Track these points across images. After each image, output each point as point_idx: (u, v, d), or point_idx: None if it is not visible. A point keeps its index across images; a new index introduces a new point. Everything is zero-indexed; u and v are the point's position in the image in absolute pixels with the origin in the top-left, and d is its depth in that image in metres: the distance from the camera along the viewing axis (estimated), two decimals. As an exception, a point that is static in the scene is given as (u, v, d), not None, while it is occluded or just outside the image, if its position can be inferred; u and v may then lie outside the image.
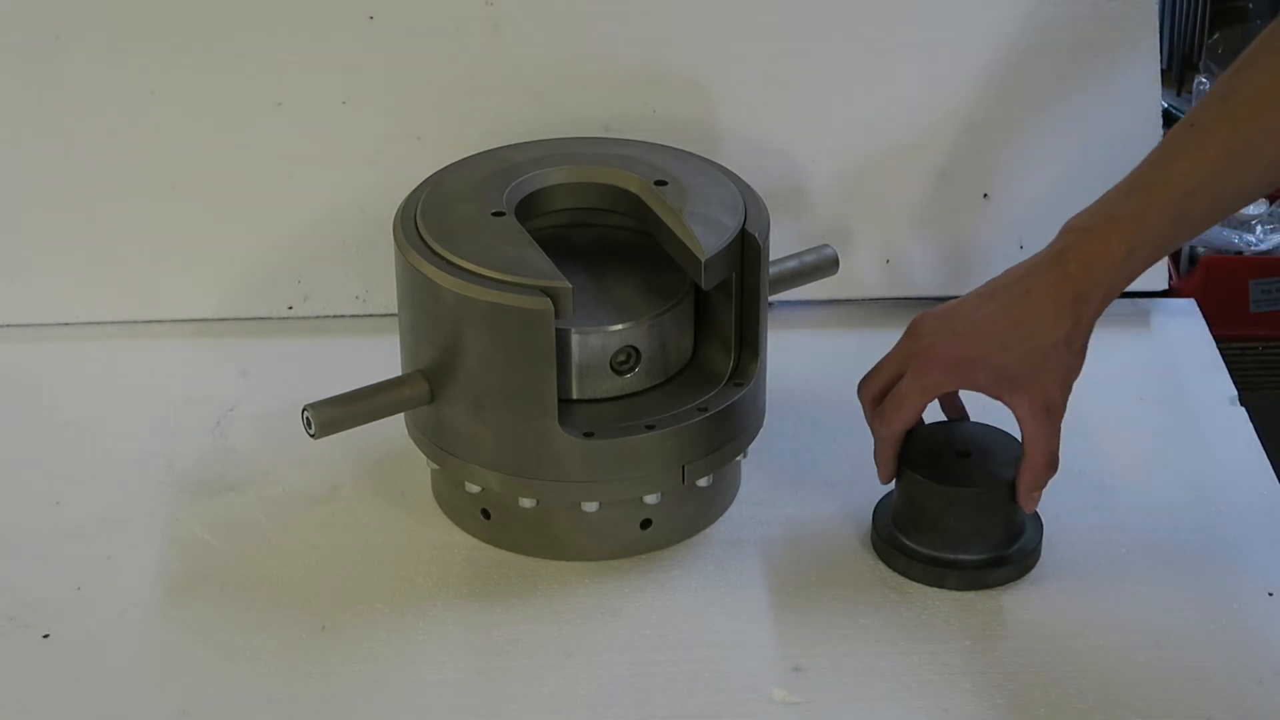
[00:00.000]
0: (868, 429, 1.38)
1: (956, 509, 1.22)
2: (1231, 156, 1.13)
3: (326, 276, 1.52)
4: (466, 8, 1.49)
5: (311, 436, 1.21)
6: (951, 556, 1.22)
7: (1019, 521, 1.24)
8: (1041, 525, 1.26)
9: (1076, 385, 1.43)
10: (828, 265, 1.35)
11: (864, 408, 1.24)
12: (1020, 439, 1.21)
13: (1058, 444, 1.20)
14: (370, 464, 1.35)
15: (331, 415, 1.21)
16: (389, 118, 1.50)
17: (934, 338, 1.20)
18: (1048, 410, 1.19)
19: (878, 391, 1.23)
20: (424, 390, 1.23)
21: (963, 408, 1.27)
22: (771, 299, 1.29)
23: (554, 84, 1.49)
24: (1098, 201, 1.18)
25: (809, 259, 1.34)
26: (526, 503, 1.24)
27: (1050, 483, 1.30)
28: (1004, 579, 1.22)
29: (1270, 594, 1.23)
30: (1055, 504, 1.30)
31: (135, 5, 1.48)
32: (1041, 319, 1.17)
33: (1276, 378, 1.70)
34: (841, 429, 1.38)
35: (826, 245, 1.35)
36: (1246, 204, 1.16)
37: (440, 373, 1.23)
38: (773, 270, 1.30)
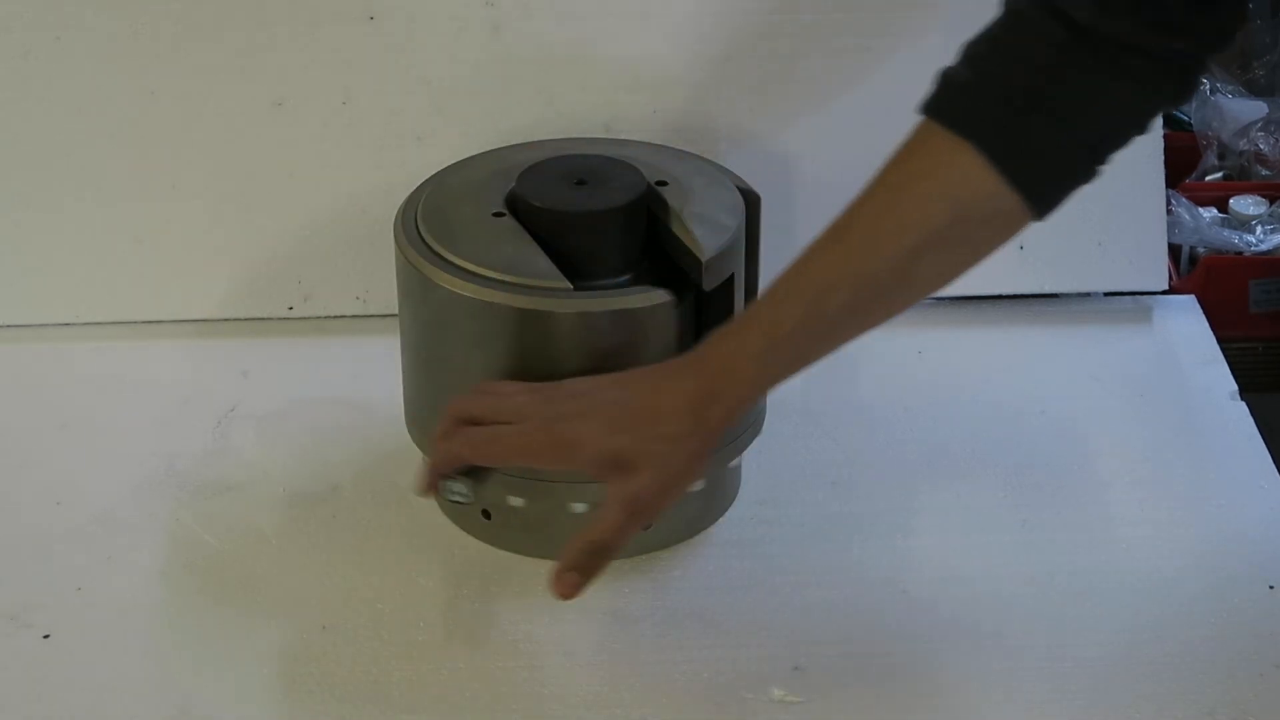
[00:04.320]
0: (868, 429, 1.39)
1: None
2: (865, 253, 1.08)
3: (326, 276, 1.52)
4: (466, 8, 1.49)
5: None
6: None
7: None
8: None
9: (1077, 383, 1.44)
10: None
11: (446, 416, 1.16)
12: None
13: (628, 538, 1.12)
14: (370, 464, 1.35)
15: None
16: (389, 118, 1.50)
17: (560, 410, 1.12)
18: (636, 502, 1.11)
19: (473, 416, 1.15)
20: None
21: None
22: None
23: (554, 84, 1.50)
24: (742, 311, 1.13)
25: None
26: (525, 503, 1.24)
27: (1050, 482, 1.31)
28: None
29: (1271, 587, 1.23)
30: (1056, 500, 1.31)
31: (135, 5, 1.48)
32: (668, 413, 1.10)
33: (1276, 378, 1.70)
34: (841, 429, 1.38)
35: None
36: (890, 305, 1.09)
37: (440, 372, 1.23)
38: None
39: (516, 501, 1.24)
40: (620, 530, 1.11)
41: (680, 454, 1.11)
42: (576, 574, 1.12)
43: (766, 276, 1.26)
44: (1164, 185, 1.54)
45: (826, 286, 1.09)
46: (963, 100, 1.08)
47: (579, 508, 1.23)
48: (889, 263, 1.08)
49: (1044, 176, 1.07)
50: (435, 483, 1.18)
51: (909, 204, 1.08)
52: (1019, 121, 1.06)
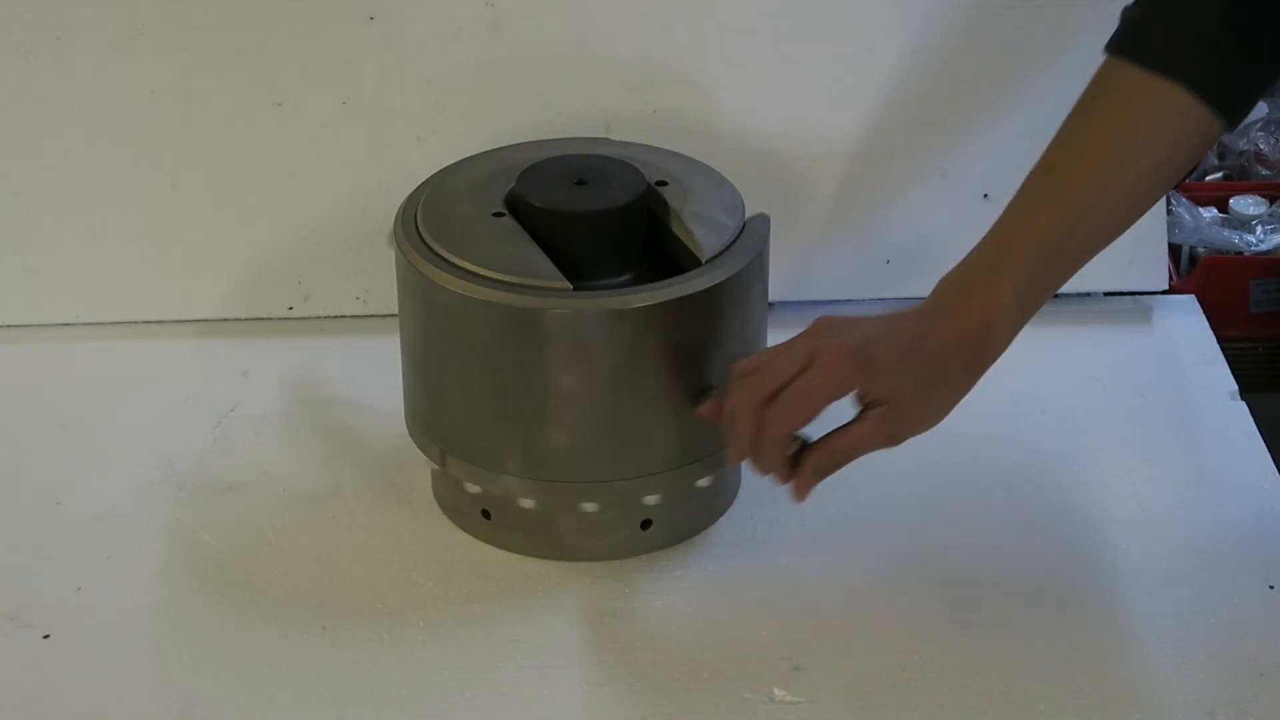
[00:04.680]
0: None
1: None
2: (1094, 196, 1.15)
3: (326, 276, 1.52)
4: (466, 8, 1.49)
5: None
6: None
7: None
8: None
9: (1076, 382, 1.44)
10: None
11: (743, 405, 1.15)
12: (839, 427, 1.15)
13: (855, 458, 1.16)
14: (370, 464, 1.35)
15: None
16: (389, 118, 1.50)
17: (850, 336, 1.14)
18: (893, 438, 1.15)
19: (775, 387, 1.14)
20: None
21: None
22: (771, 300, 1.29)
23: (554, 84, 1.50)
24: (972, 258, 1.16)
25: None
26: (527, 503, 1.24)
27: (1050, 481, 1.31)
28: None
29: (1271, 587, 1.23)
30: (1056, 500, 1.31)
31: (135, 5, 1.48)
32: (947, 364, 1.14)
33: (1276, 378, 1.70)
34: (841, 429, 1.38)
35: None
36: (1110, 239, 1.17)
37: (440, 372, 1.23)
38: None
39: (527, 503, 1.24)
40: (863, 449, 1.15)
41: (947, 403, 1.16)
42: (814, 479, 1.16)
43: (773, 278, 1.26)
44: (1164, 185, 1.54)
45: (1064, 232, 1.15)
46: (1159, 40, 1.15)
47: (589, 507, 1.23)
48: (1115, 203, 1.15)
49: (1245, 102, 1.16)
50: (806, 484, 1.16)
51: (1127, 145, 1.15)
52: (1216, 55, 1.14)
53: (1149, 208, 1.18)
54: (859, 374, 1.13)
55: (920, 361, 1.13)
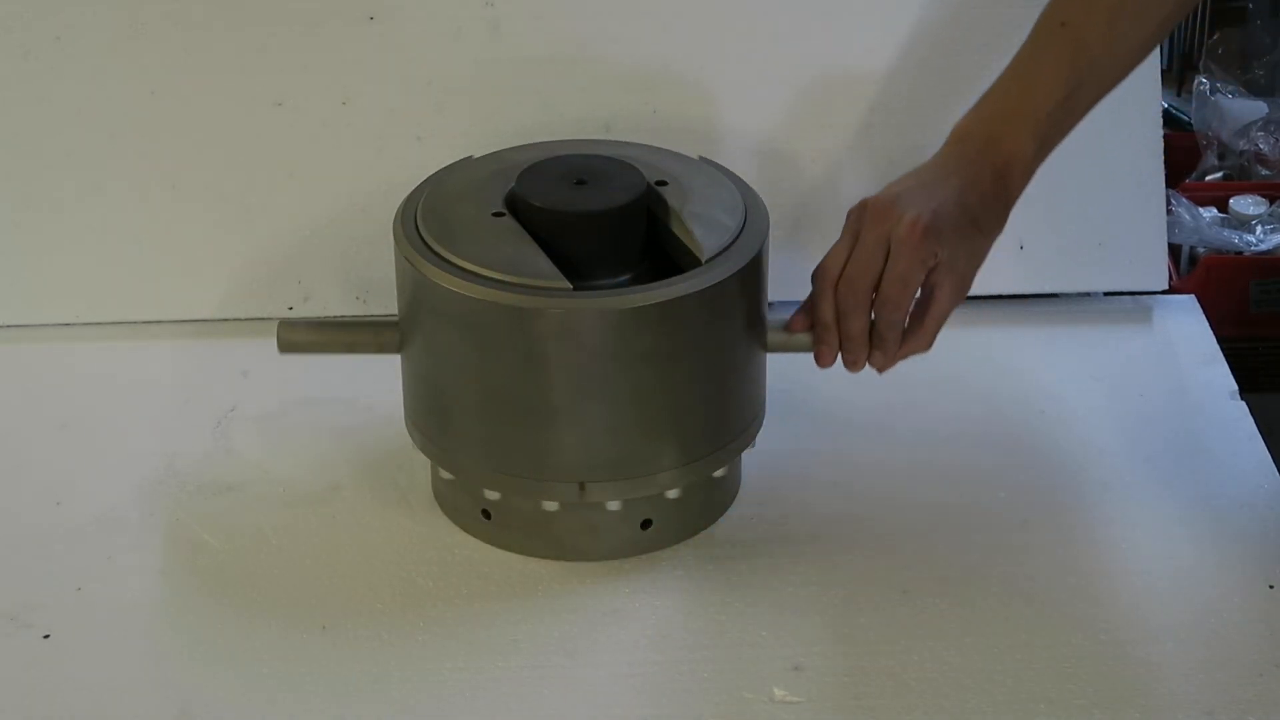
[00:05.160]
0: (868, 429, 1.38)
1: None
2: (1106, 49, 1.23)
3: (326, 276, 1.52)
4: (466, 8, 1.49)
5: (279, 350, 1.26)
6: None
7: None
8: None
9: (1076, 382, 1.44)
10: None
11: (849, 307, 1.21)
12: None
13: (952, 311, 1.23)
14: (370, 464, 1.35)
15: (296, 337, 1.26)
16: (389, 118, 1.50)
17: (911, 211, 1.20)
18: (964, 289, 1.23)
19: (870, 285, 1.21)
20: (393, 338, 1.25)
21: None
22: (771, 299, 1.29)
23: (554, 84, 1.50)
24: (989, 108, 1.24)
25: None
26: (526, 503, 1.24)
27: (1050, 481, 1.31)
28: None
29: (1271, 587, 1.23)
30: (1056, 500, 1.31)
31: (135, 5, 1.48)
32: (981, 216, 1.21)
33: (1276, 378, 1.70)
34: (841, 429, 1.38)
35: None
36: (1114, 86, 1.27)
37: (440, 372, 1.23)
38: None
39: (527, 504, 1.24)
40: (948, 315, 1.22)
41: (988, 248, 1.23)
42: (928, 345, 1.24)
43: (772, 278, 1.27)
44: (1164, 185, 1.54)
45: (1076, 85, 1.23)
46: None
47: (590, 507, 1.24)
48: (1123, 56, 1.25)
49: None
50: (888, 358, 1.24)
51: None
52: None
53: (1150, 55, 1.29)
54: (937, 245, 1.20)
55: (968, 217, 1.21)
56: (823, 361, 1.24)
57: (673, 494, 1.25)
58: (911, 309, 1.22)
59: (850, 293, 1.21)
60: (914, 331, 1.23)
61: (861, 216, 1.21)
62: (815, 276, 1.23)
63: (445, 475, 1.27)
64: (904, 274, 1.20)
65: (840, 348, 1.23)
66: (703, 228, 1.23)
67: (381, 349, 1.26)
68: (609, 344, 1.19)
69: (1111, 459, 1.36)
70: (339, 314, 1.52)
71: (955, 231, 1.20)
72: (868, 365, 1.24)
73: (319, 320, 1.27)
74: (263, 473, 1.35)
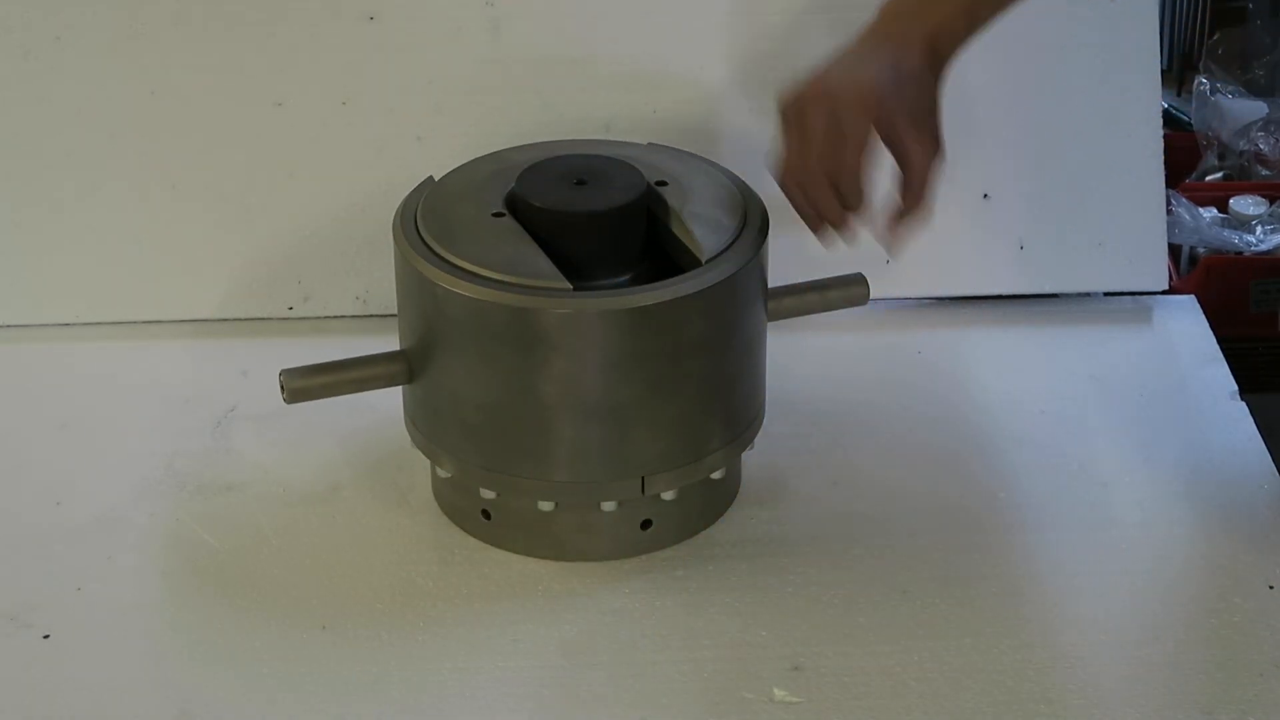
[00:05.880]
0: (868, 429, 1.38)
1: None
2: None
3: (326, 276, 1.52)
4: (466, 8, 1.49)
5: (285, 401, 1.24)
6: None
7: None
8: None
9: (1076, 382, 1.44)
10: (857, 298, 1.34)
11: (812, 187, 1.23)
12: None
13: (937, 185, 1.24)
14: (370, 464, 1.35)
15: (304, 384, 1.24)
16: (389, 118, 1.50)
17: (842, 80, 1.21)
18: (938, 143, 1.23)
19: (794, 169, 1.23)
20: (402, 368, 1.24)
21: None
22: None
23: (554, 84, 1.50)
24: None
25: (835, 295, 1.32)
26: (526, 503, 1.24)
27: (1050, 481, 1.31)
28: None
29: (1271, 587, 1.23)
30: (1056, 500, 1.31)
31: (135, 5, 1.48)
32: (921, 73, 1.22)
33: (1276, 378, 1.70)
34: (841, 429, 1.38)
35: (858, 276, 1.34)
36: None
37: (440, 373, 1.23)
38: (799, 299, 1.30)
39: (526, 503, 1.24)
40: (929, 168, 1.23)
41: (936, 100, 1.23)
42: (919, 203, 1.24)
43: (773, 278, 1.27)
44: (1164, 185, 1.54)
45: None
46: None
47: (589, 507, 1.24)
48: None
49: None
50: (845, 221, 1.25)
51: None
52: None
53: None
54: (882, 108, 1.20)
55: (906, 78, 1.21)
56: (823, 243, 1.26)
57: (670, 495, 1.25)
58: (901, 180, 1.23)
59: (816, 186, 1.22)
60: (907, 197, 1.23)
61: (801, 108, 1.22)
62: (780, 182, 1.24)
63: (445, 475, 1.27)
64: (850, 134, 1.20)
65: (832, 227, 1.25)
66: (703, 228, 1.23)
67: (391, 381, 1.26)
68: (609, 344, 1.19)
69: (1111, 459, 1.36)
70: (339, 314, 1.52)
71: (898, 91, 1.21)
72: (885, 246, 1.26)
73: (320, 365, 1.25)
74: (263, 473, 1.35)
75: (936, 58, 1.24)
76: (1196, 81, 2.00)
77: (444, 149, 1.39)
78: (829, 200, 1.23)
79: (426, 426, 1.26)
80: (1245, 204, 1.77)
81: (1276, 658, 1.18)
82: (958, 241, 1.53)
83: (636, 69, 1.50)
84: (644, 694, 1.15)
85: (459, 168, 1.32)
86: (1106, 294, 1.55)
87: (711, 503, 1.30)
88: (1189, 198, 1.77)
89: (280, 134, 1.50)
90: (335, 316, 1.52)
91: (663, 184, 1.27)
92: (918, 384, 1.44)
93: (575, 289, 1.19)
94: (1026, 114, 1.52)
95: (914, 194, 1.23)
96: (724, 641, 1.20)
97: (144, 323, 1.51)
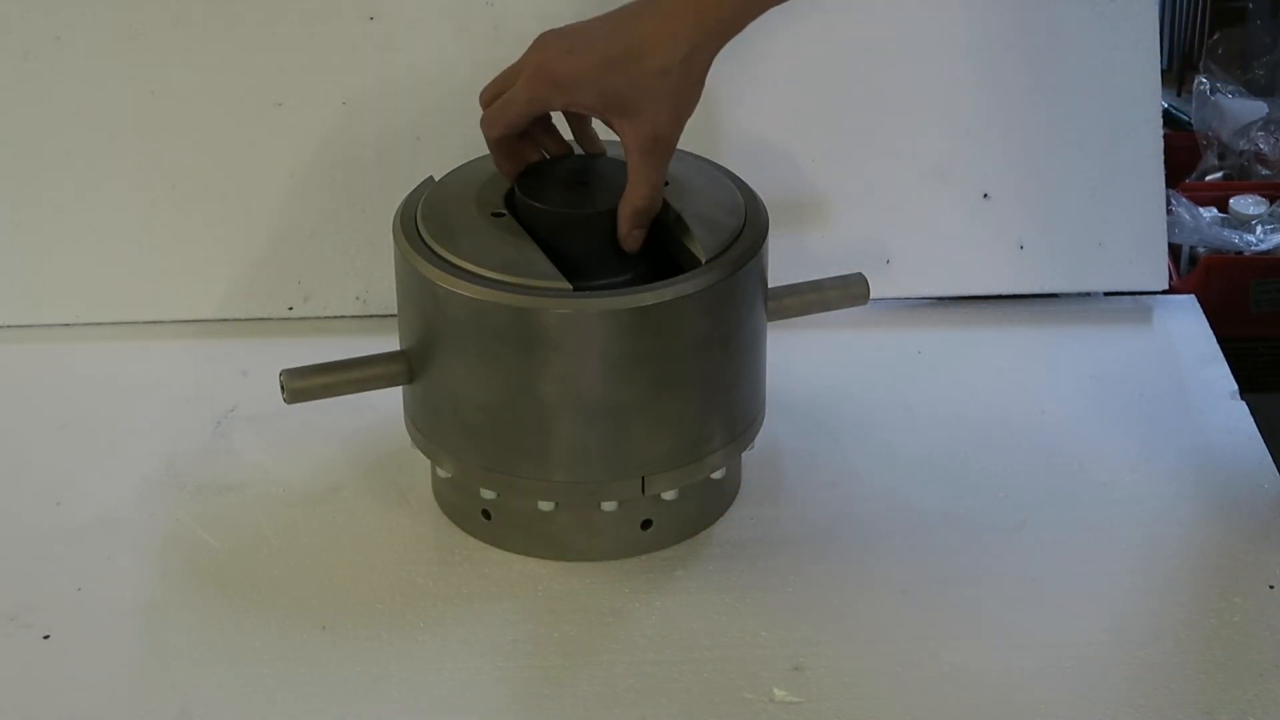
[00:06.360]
0: (868, 429, 1.38)
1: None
2: None
3: (326, 276, 1.52)
4: (466, 8, 1.49)
5: (285, 401, 1.24)
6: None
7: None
8: None
9: (1077, 382, 1.44)
10: (856, 298, 1.33)
11: (483, 110, 1.25)
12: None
13: (661, 179, 1.20)
14: (370, 464, 1.35)
15: (304, 384, 1.24)
16: (389, 118, 1.50)
17: (550, 52, 1.20)
18: (655, 141, 1.19)
19: (492, 95, 1.24)
20: (403, 368, 1.24)
21: (598, 141, 1.28)
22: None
23: (554, 84, 1.49)
24: None
25: (835, 295, 1.32)
26: (526, 503, 1.24)
27: (1050, 481, 1.31)
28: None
29: (1271, 587, 1.23)
30: (1056, 500, 1.31)
31: (135, 5, 1.48)
32: (656, 43, 1.17)
33: (1277, 378, 1.70)
34: (841, 429, 1.38)
35: (857, 275, 1.33)
36: None
37: (440, 373, 1.23)
38: (799, 299, 1.30)
39: (526, 503, 1.24)
40: (654, 170, 1.19)
41: (677, 83, 1.17)
42: (639, 231, 1.21)
43: (773, 278, 1.27)
44: (1164, 185, 1.54)
45: None
46: None
47: (589, 507, 1.24)
48: None
49: None
50: (513, 169, 1.25)
51: None
52: None
53: None
54: (553, 93, 1.20)
55: (628, 57, 1.17)
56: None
57: (670, 495, 1.25)
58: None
59: (480, 98, 1.25)
60: (622, 213, 1.21)
61: (534, 42, 1.23)
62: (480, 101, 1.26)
63: (445, 475, 1.27)
64: (507, 99, 1.22)
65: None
66: (703, 228, 1.23)
67: (391, 381, 1.26)
68: (609, 344, 1.19)
69: (1111, 459, 1.36)
70: (339, 314, 1.52)
71: (602, 78, 1.18)
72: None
73: (320, 365, 1.25)
74: (263, 473, 1.35)
75: (694, 54, 1.17)
76: (1196, 81, 2.00)
77: (444, 149, 1.39)
78: (497, 139, 1.24)
79: (426, 426, 1.26)
80: (1245, 204, 1.77)
81: (1276, 658, 1.18)
82: (958, 241, 1.53)
83: (636, 69, 1.49)
84: (644, 694, 1.15)
85: (459, 168, 1.32)
86: (1106, 294, 1.55)
87: (711, 503, 1.30)
88: (1189, 197, 1.77)
89: (280, 134, 1.50)
90: (335, 316, 1.52)
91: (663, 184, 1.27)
92: (918, 384, 1.44)
93: (575, 289, 1.19)
94: (1026, 114, 1.52)
95: (649, 205, 1.21)
96: (724, 641, 1.20)
97: (144, 323, 1.51)
